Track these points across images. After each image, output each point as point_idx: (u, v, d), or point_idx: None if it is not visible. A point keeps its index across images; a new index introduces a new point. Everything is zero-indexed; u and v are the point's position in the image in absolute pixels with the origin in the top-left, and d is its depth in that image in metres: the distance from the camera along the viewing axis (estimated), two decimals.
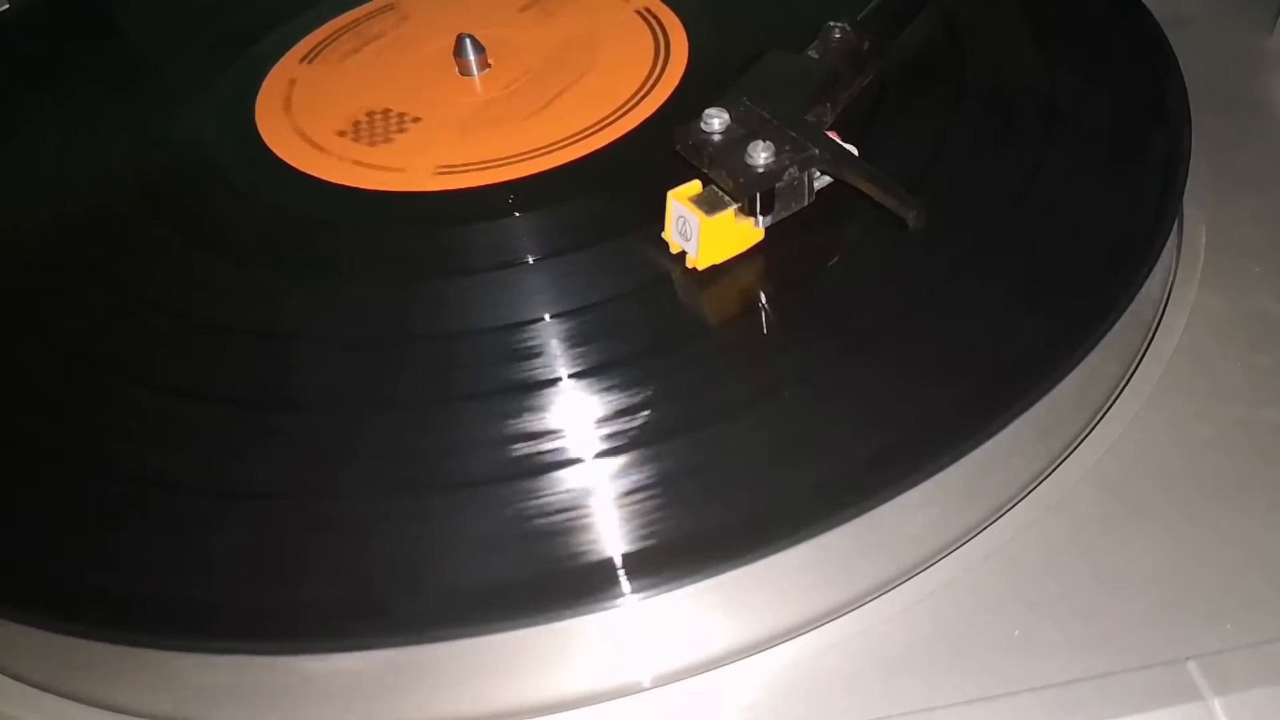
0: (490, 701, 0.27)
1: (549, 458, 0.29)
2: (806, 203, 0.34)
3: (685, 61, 0.44)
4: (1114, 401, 0.32)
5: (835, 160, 0.33)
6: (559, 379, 0.31)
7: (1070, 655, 0.26)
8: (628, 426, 0.29)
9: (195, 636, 0.27)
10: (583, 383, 0.31)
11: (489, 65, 0.45)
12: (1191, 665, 0.26)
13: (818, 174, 0.34)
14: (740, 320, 0.34)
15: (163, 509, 0.29)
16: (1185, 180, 0.35)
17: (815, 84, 0.36)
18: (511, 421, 0.30)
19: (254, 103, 0.46)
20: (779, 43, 0.37)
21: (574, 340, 0.32)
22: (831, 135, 0.34)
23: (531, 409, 0.30)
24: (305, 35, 0.50)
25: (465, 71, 0.45)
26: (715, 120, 0.34)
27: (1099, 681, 0.26)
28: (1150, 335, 0.33)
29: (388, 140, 0.42)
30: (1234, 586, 0.27)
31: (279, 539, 0.28)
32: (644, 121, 0.41)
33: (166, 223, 0.40)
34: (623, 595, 0.26)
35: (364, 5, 0.51)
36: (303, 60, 0.48)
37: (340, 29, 0.50)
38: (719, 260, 0.34)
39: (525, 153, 0.40)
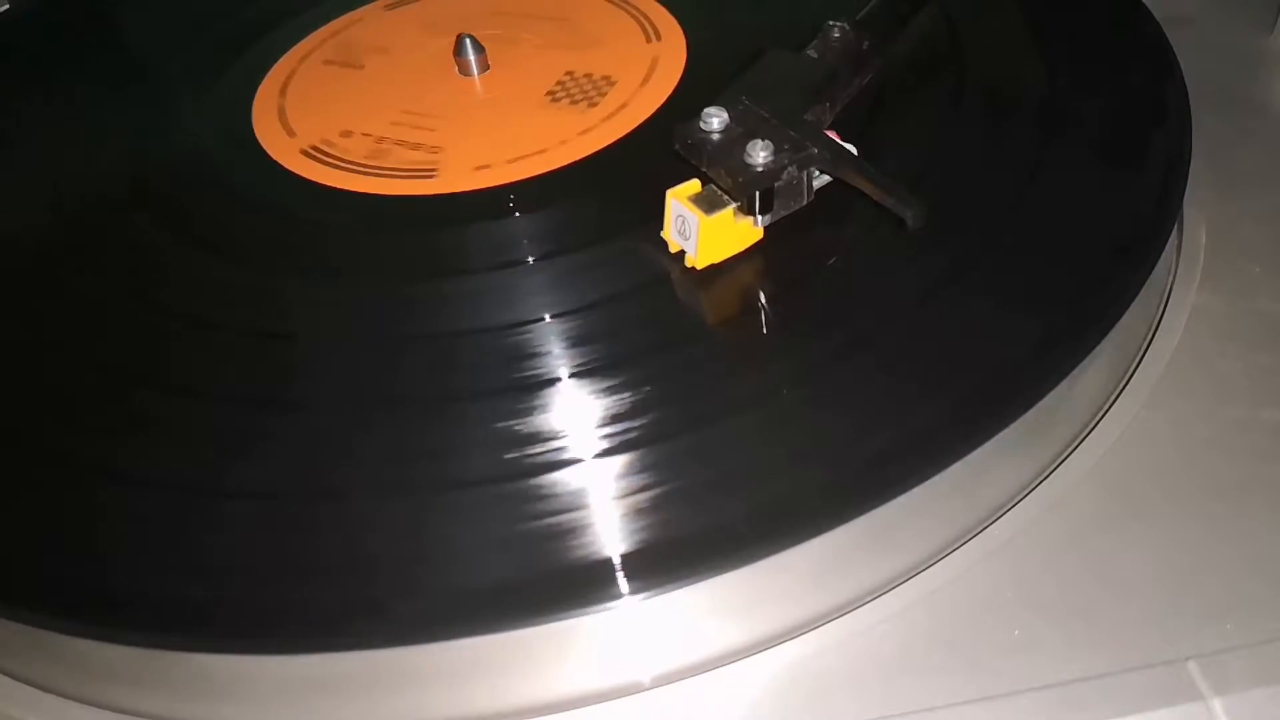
0: (490, 701, 0.27)
1: (549, 458, 0.29)
2: (805, 202, 0.34)
3: (684, 62, 0.44)
4: (1114, 401, 0.32)
5: (834, 159, 0.33)
6: (559, 379, 0.31)
7: (1070, 655, 0.26)
8: (627, 426, 0.29)
9: (195, 636, 0.27)
10: (583, 383, 0.31)
11: (489, 66, 0.45)
12: (1191, 665, 0.26)
13: (817, 173, 0.34)
14: (739, 320, 0.34)
15: (162, 509, 0.29)
16: (1185, 181, 0.35)
17: (814, 83, 0.36)
18: (511, 421, 0.30)
19: (251, 103, 0.45)
20: (778, 42, 0.37)
21: (574, 340, 0.32)
22: (831, 134, 0.34)
23: (531, 409, 0.30)
24: (307, 35, 0.50)
25: (465, 71, 0.45)
26: (714, 119, 0.34)
27: (1099, 681, 0.26)
28: (1150, 335, 0.33)
29: (380, 140, 0.42)
30: (1234, 586, 0.27)
31: (279, 538, 0.28)
32: (643, 121, 0.41)
33: (163, 221, 0.40)
34: (622, 595, 0.26)
35: (367, 5, 0.51)
36: (302, 60, 0.48)
37: (346, 25, 0.50)
38: (718, 259, 0.34)
39: (524, 153, 0.40)
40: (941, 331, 0.31)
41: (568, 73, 0.44)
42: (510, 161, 0.40)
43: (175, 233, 0.39)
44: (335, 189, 0.40)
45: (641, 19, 0.47)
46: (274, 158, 0.42)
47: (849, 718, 0.26)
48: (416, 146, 0.41)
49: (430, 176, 0.40)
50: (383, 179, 0.40)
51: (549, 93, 0.43)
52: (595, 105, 0.41)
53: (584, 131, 0.41)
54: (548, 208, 0.37)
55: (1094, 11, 0.43)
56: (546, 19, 0.48)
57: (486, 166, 0.40)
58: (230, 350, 0.34)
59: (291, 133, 0.43)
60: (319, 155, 0.42)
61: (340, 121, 0.43)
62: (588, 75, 0.44)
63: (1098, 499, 0.29)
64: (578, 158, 0.40)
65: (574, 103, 0.42)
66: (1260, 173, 0.39)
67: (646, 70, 0.44)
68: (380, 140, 0.42)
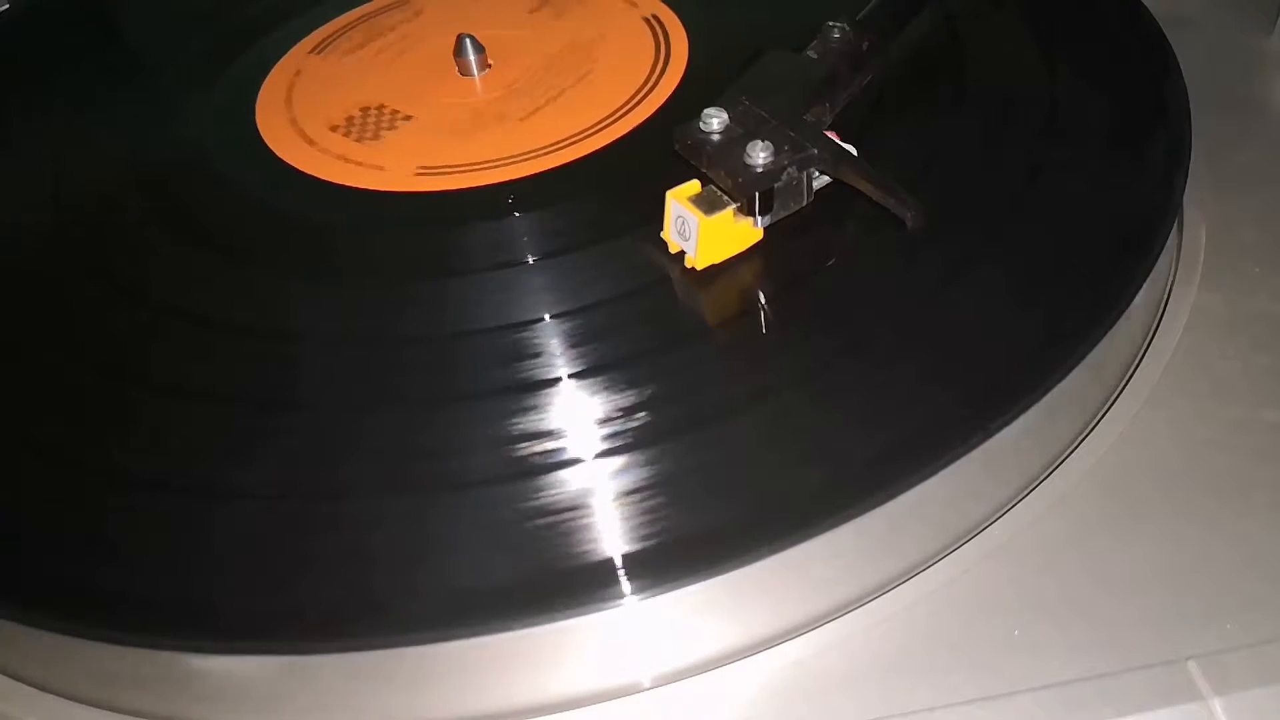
0: (490, 701, 0.27)
1: (549, 458, 0.29)
2: (805, 202, 0.34)
3: (685, 62, 0.44)
4: (1114, 401, 0.32)
5: (834, 160, 0.33)
6: (559, 379, 0.31)
7: (1070, 655, 0.26)
8: (627, 426, 0.29)
9: (195, 636, 0.27)
10: (582, 383, 0.31)
11: (489, 66, 0.45)
12: (1191, 665, 0.26)
13: (816, 174, 0.34)
14: (739, 320, 0.34)
15: (162, 509, 0.29)
16: (1185, 180, 0.35)
17: (814, 84, 0.36)
18: (511, 421, 0.30)
19: (257, 94, 0.46)
20: (778, 43, 0.37)
21: (574, 340, 0.32)
22: (830, 135, 0.34)
23: (531, 409, 0.30)
24: (318, 27, 0.50)
25: (465, 71, 0.45)
26: (714, 120, 0.34)
27: (1099, 681, 0.26)
28: (1150, 335, 0.33)
29: (376, 137, 0.42)
30: (1234, 586, 0.27)
31: (279, 539, 0.28)
32: (643, 122, 0.41)
33: (159, 217, 0.40)
34: (623, 595, 0.26)
35: None
36: (311, 52, 0.49)
37: (353, 22, 0.50)
38: (718, 260, 0.34)
39: (524, 153, 0.40)
40: (941, 332, 0.31)
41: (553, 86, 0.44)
42: (502, 164, 0.40)
43: (175, 232, 0.39)
44: (335, 185, 0.40)
45: (647, 17, 0.47)
46: (278, 154, 0.42)
47: (849, 718, 0.26)
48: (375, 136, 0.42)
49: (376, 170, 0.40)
50: (365, 175, 0.40)
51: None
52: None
53: (584, 132, 0.41)
54: (548, 208, 0.37)
55: (1094, 11, 0.43)
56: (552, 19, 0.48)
57: (473, 167, 0.40)
58: (230, 350, 0.34)
59: (296, 129, 0.43)
60: (302, 134, 0.42)
61: (340, 111, 0.44)
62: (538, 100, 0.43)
63: (1098, 499, 0.29)
64: (577, 158, 0.40)
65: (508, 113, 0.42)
66: (1260, 173, 0.39)
67: (647, 70, 0.44)
68: (349, 118, 0.43)
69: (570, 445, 0.29)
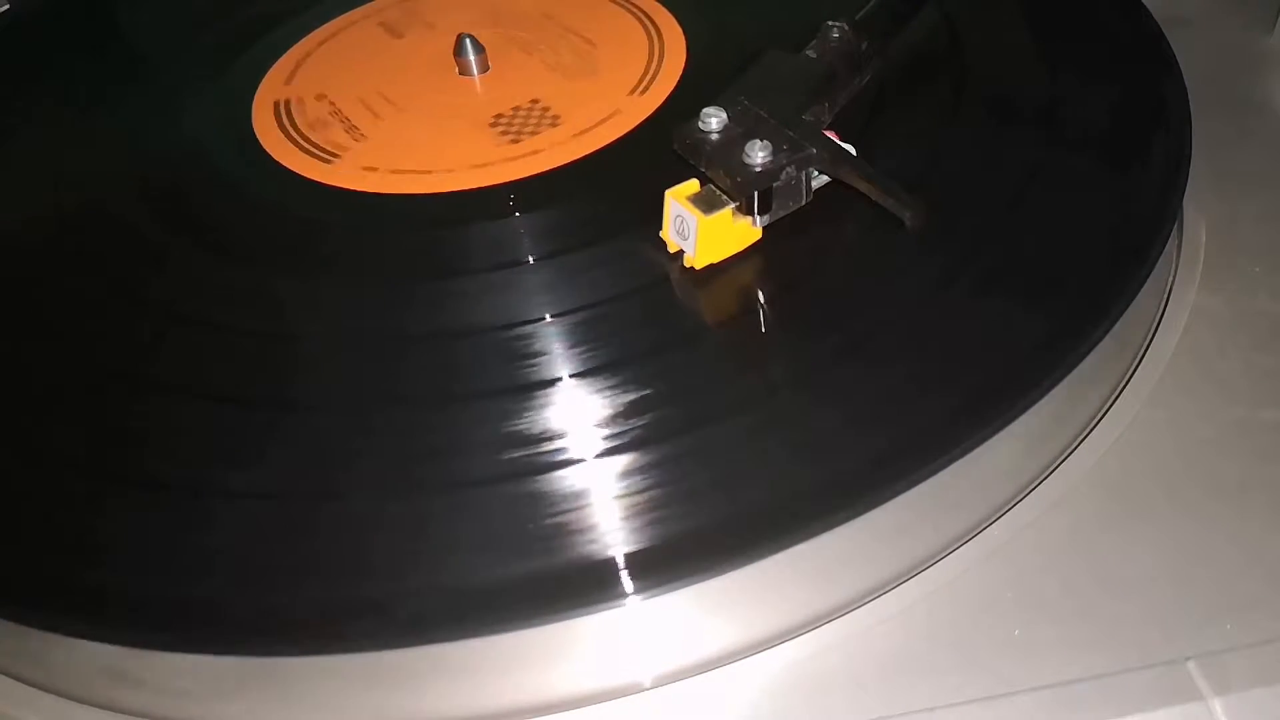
0: (490, 701, 0.27)
1: (549, 458, 0.29)
2: (804, 202, 0.34)
3: (682, 62, 0.44)
4: (1114, 401, 0.32)
5: (833, 160, 0.33)
6: (559, 379, 0.31)
7: (1070, 655, 0.26)
8: (627, 426, 0.29)
9: (195, 637, 0.27)
10: (582, 382, 0.31)
11: (489, 66, 0.45)
12: (1191, 665, 0.26)
13: (815, 173, 0.34)
14: (738, 319, 0.34)
15: (162, 509, 0.29)
16: (1185, 180, 0.35)
17: (813, 84, 0.36)
18: (512, 421, 0.30)
19: (252, 101, 0.46)
20: (778, 43, 0.37)
21: (574, 340, 0.32)
22: (829, 134, 0.34)
23: (532, 409, 0.30)
24: (324, 23, 0.50)
25: (465, 71, 0.45)
26: (713, 119, 0.34)
27: (1099, 681, 0.26)
28: (1150, 335, 0.33)
29: (367, 136, 0.42)
30: (1234, 586, 0.27)
31: (279, 539, 0.28)
32: (642, 122, 0.41)
33: (163, 220, 0.40)
34: (624, 595, 0.26)
35: None
36: (319, 46, 0.49)
37: (359, 19, 0.51)
38: (717, 259, 0.34)
39: (523, 154, 0.40)
40: (940, 332, 0.31)
41: (533, 100, 0.43)
42: (493, 165, 0.40)
43: (175, 232, 0.39)
44: (335, 187, 0.40)
45: (642, 18, 0.47)
46: (274, 156, 0.42)
47: (849, 718, 0.26)
48: (350, 129, 0.43)
49: (329, 161, 0.41)
50: (355, 173, 0.40)
51: (498, 115, 0.43)
52: (519, 141, 0.41)
53: (584, 132, 0.41)
54: (548, 207, 0.37)
55: (1094, 12, 0.43)
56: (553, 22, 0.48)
57: (374, 169, 0.40)
58: (230, 350, 0.34)
59: (294, 129, 0.43)
60: (282, 115, 0.43)
61: (323, 87, 0.44)
62: (541, 105, 0.43)
63: (1098, 499, 0.29)
64: (577, 158, 0.40)
65: (508, 134, 0.42)
66: (1260, 173, 0.39)
67: (646, 70, 0.44)
68: (333, 111, 0.44)
69: (570, 445, 0.29)
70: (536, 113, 0.42)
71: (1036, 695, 0.25)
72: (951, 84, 0.40)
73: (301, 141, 0.42)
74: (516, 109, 0.43)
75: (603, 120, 0.41)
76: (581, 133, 0.41)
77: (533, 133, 0.41)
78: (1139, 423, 0.31)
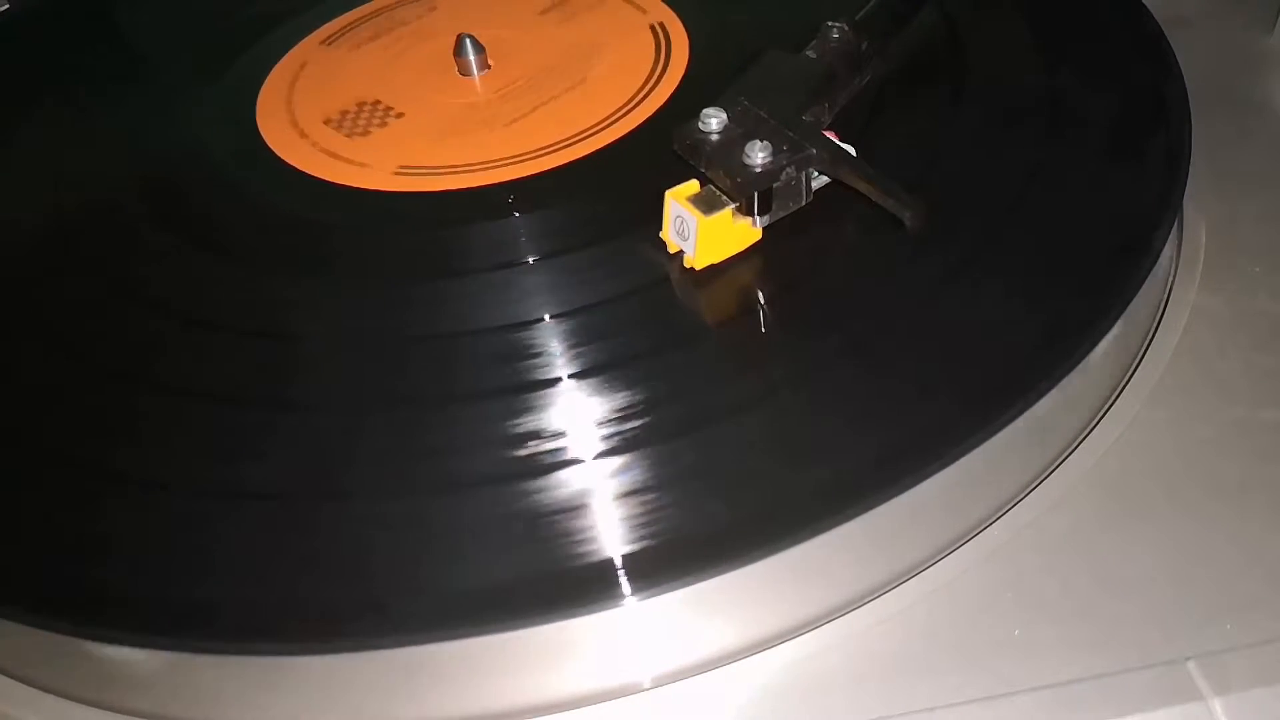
0: (490, 701, 0.27)
1: (549, 458, 0.29)
2: (804, 202, 0.34)
3: (685, 64, 0.44)
4: (1114, 401, 0.32)
5: (833, 160, 0.33)
6: (558, 379, 0.31)
7: (1070, 655, 0.26)
8: (627, 426, 0.29)
9: (195, 637, 0.27)
10: (582, 383, 0.31)
11: (489, 66, 0.45)
12: (1191, 665, 0.26)
13: (815, 174, 0.34)
14: (738, 320, 0.34)
15: (162, 509, 0.29)
16: (1185, 180, 0.35)
17: (813, 84, 0.36)
18: (511, 422, 0.30)
19: (255, 100, 0.46)
20: (778, 43, 0.37)
21: (573, 340, 0.32)
22: (829, 135, 0.34)
23: (531, 409, 0.30)
24: (333, 18, 0.50)
25: (465, 71, 0.45)
26: (713, 120, 0.34)
27: (1099, 681, 0.26)
28: (1150, 335, 0.33)
29: (365, 134, 0.42)
30: (1234, 586, 0.27)
31: (279, 539, 0.28)
32: (643, 122, 0.41)
33: (163, 220, 0.40)
34: (623, 596, 0.26)
35: None
36: (322, 44, 0.49)
37: (367, 15, 0.50)
38: (717, 260, 0.34)
39: (523, 154, 0.40)
40: (940, 332, 0.31)
41: (533, 100, 0.43)
42: (492, 166, 0.40)
43: (175, 232, 0.39)
44: (335, 187, 0.40)
45: (649, 18, 0.47)
46: (274, 155, 0.42)
47: (849, 718, 0.26)
48: (350, 129, 0.43)
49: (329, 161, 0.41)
50: (347, 172, 0.40)
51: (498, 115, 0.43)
52: (519, 141, 0.41)
53: (584, 132, 0.41)
54: (548, 208, 0.37)
55: (1094, 12, 0.43)
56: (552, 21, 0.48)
57: (374, 169, 0.40)
58: (230, 350, 0.34)
59: (296, 128, 0.43)
60: (283, 114, 0.43)
61: (336, 104, 0.44)
62: (541, 105, 0.43)
63: (1098, 499, 0.29)
64: (577, 158, 0.40)
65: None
66: (1260, 173, 0.39)
67: (647, 71, 0.44)
68: (333, 111, 0.44)
69: (570, 445, 0.29)
70: (537, 113, 0.42)
71: (1036, 695, 0.25)
72: (951, 84, 0.40)
73: (301, 141, 0.42)
74: (517, 109, 0.43)
75: (604, 120, 0.41)
76: (582, 133, 0.41)
77: (533, 132, 0.41)
78: (1139, 423, 0.31)
